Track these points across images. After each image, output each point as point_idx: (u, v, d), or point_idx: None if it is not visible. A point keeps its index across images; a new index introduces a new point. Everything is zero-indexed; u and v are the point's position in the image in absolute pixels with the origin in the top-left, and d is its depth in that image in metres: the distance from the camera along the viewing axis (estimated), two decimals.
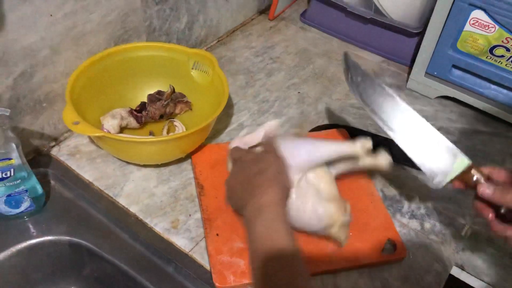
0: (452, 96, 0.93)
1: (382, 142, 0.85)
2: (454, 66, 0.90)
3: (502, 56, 0.83)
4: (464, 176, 0.59)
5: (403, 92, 0.97)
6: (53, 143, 0.80)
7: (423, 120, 0.62)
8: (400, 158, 0.82)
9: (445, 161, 0.58)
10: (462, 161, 0.58)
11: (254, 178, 0.57)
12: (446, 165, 0.58)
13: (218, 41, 1.06)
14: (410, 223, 0.74)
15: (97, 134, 0.66)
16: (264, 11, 1.16)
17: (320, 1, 1.09)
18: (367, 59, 1.05)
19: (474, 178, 0.58)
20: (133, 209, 0.72)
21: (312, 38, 1.10)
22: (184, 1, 0.90)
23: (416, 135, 0.62)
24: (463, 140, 0.87)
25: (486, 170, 0.59)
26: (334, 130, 0.85)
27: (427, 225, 0.74)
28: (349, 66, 0.70)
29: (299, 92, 0.95)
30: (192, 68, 0.83)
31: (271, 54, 1.04)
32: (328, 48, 1.07)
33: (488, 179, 0.58)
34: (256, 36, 1.09)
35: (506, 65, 0.84)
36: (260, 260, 0.50)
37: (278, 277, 0.48)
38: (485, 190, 0.56)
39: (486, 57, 0.85)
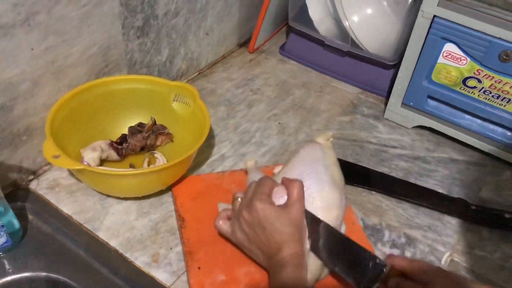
0: (428, 126, 0.96)
1: (361, 172, 0.87)
2: (430, 97, 0.93)
3: (475, 87, 0.86)
4: (387, 280, 0.59)
5: (381, 122, 0.99)
6: (32, 177, 0.79)
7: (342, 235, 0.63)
8: (379, 187, 0.84)
9: (371, 272, 0.59)
10: (383, 267, 0.59)
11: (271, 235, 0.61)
12: (372, 275, 0.59)
13: (199, 73, 1.08)
14: (391, 252, 0.74)
15: (77, 167, 0.65)
16: (244, 44, 1.18)
17: (298, 34, 1.12)
18: (346, 91, 1.07)
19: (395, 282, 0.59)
20: (113, 243, 0.71)
21: (291, 70, 1.12)
22: (165, 34, 0.92)
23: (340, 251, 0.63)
24: (440, 169, 0.89)
25: (403, 262, 0.60)
26: None
27: (408, 254, 0.74)
28: None
29: (279, 123, 0.96)
30: (174, 100, 0.84)
31: (251, 86, 1.06)
32: (307, 79, 1.09)
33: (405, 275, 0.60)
34: (237, 68, 1.11)
35: (478, 95, 0.87)
36: None
37: None
38: None
39: (460, 88, 0.88)
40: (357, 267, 0.60)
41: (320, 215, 0.63)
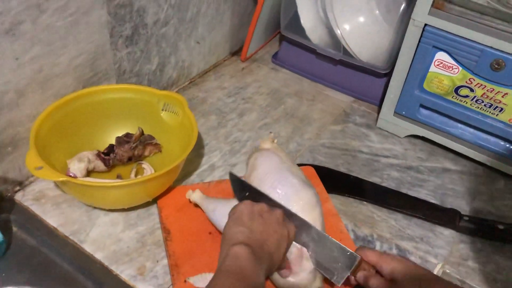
0: (421, 135, 0.95)
1: (353, 182, 0.86)
2: (422, 106, 0.92)
3: (467, 96, 0.86)
4: (356, 270, 0.63)
5: (373, 131, 0.98)
6: (18, 188, 0.77)
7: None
8: (371, 198, 0.83)
9: (341, 262, 0.63)
10: (355, 258, 0.63)
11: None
12: (342, 266, 0.62)
13: (190, 82, 1.07)
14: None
15: (60, 179, 0.64)
16: (236, 52, 1.18)
17: (290, 43, 1.11)
18: (338, 99, 1.07)
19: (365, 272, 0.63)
20: (98, 255, 0.69)
21: (283, 79, 1.11)
22: (155, 43, 0.91)
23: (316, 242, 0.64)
24: (432, 179, 0.88)
25: (374, 255, 0.63)
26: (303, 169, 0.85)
27: None
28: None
29: (270, 132, 0.95)
30: (163, 110, 0.83)
31: (243, 95, 1.05)
32: (299, 88, 1.09)
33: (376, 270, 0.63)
34: (229, 77, 1.10)
35: (471, 104, 0.86)
36: None
37: None
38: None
39: (452, 97, 0.87)
40: (330, 259, 0.63)
41: (306, 216, 0.65)
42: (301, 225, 0.64)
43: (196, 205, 0.74)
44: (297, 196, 0.67)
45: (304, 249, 0.64)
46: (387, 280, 0.61)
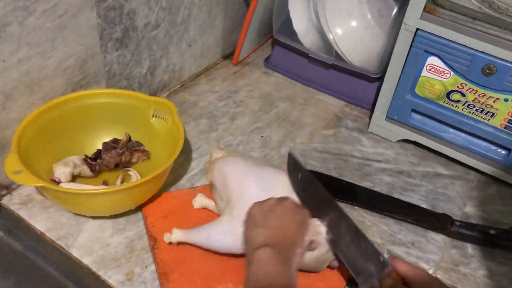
0: (412, 139, 0.95)
1: (345, 187, 0.86)
2: (414, 110, 0.92)
3: (459, 101, 0.85)
4: (384, 278, 0.60)
5: (365, 135, 0.98)
6: (5, 192, 0.76)
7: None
8: (362, 202, 0.83)
9: (372, 267, 0.60)
10: (386, 266, 0.60)
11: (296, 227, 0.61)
12: (373, 271, 0.60)
13: (182, 85, 1.06)
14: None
15: (38, 184, 0.62)
16: (228, 56, 1.17)
17: (283, 46, 1.11)
18: (330, 103, 1.06)
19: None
20: (86, 260, 0.68)
21: (275, 83, 1.11)
22: (145, 46, 0.90)
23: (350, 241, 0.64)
24: (424, 184, 0.88)
25: (405, 267, 0.59)
26: None
27: None
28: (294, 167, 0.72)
29: (262, 136, 0.95)
30: (153, 116, 0.82)
31: (235, 98, 1.04)
32: (291, 92, 1.08)
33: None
34: (220, 81, 1.09)
35: (462, 109, 0.86)
36: None
37: None
38: None
39: (444, 102, 0.87)
40: (361, 259, 0.61)
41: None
42: (341, 218, 0.64)
43: (183, 211, 0.73)
44: (284, 190, 0.68)
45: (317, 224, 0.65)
46: None
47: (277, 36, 1.09)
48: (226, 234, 0.65)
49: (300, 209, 0.64)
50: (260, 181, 0.68)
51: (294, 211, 0.63)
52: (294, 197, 0.67)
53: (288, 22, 1.05)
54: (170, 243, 0.69)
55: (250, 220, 0.62)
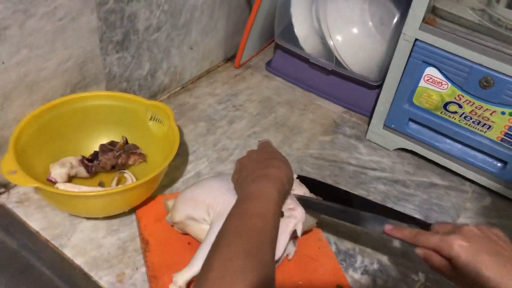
0: (409, 148, 0.95)
1: (337, 194, 0.86)
2: (411, 120, 0.92)
3: (455, 112, 0.85)
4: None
5: (363, 143, 0.98)
6: (3, 190, 0.77)
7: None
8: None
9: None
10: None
11: (269, 159, 0.67)
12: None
13: (182, 87, 1.07)
14: (362, 279, 0.73)
15: (33, 185, 0.63)
16: (230, 59, 1.18)
17: (284, 51, 1.11)
18: (329, 109, 1.07)
19: None
20: (78, 261, 0.69)
21: (276, 87, 1.11)
22: (146, 49, 0.91)
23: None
24: (419, 194, 0.88)
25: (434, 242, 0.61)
26: None
27: (380, 281, 0.73)
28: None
29: (259, 141, 0.95)
30: (151, 119, 0.82)
31: (234, 102, 1.05)
32: (291, 97, 1.09)
33: None
34: (221, 84, 1.10)
35: (459, 121, 0.86)
36: (246, 212, 0.57)
37: (253, 227, 0.54)
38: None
39: (441, 113, 0.87)
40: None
41: None
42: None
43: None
44: None
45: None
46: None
47: (279, 41, 1.09)
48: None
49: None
50: (225, 184, 0.70)
51: (277, 152, 0.72)
52: None
53: (289, 27, 1.06)
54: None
55: (241, 167, 0.68)
